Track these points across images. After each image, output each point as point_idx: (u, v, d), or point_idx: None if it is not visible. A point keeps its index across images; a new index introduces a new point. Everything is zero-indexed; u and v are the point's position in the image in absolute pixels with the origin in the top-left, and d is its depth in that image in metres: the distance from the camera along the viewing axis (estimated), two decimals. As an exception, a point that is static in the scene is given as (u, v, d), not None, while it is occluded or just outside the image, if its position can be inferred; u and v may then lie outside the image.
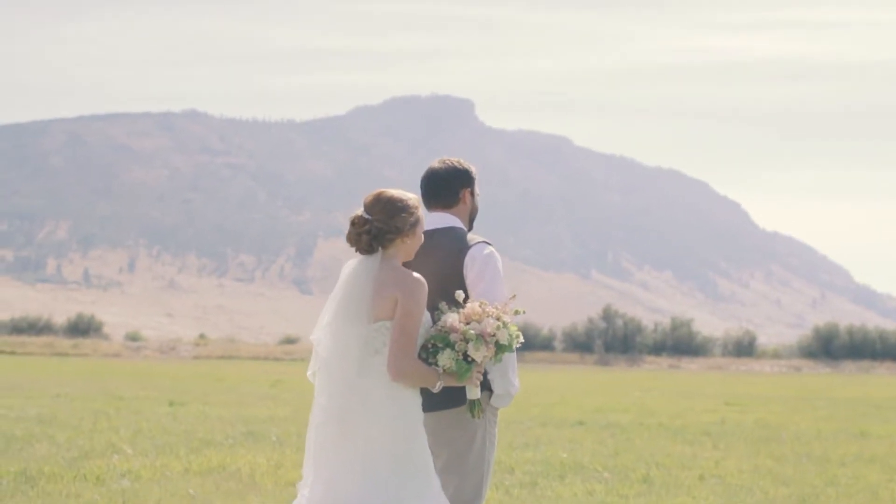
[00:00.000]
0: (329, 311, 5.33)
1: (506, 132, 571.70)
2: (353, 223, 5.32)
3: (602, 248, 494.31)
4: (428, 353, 5.40)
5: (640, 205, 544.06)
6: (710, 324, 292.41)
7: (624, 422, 22.57)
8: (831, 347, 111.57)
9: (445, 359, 5.35)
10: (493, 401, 5.84)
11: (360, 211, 5.34)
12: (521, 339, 5.53)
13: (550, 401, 30.59)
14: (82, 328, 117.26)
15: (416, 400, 5.34)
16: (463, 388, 5.61)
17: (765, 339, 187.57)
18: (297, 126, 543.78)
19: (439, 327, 5.44)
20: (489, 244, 6.06)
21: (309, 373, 5.35)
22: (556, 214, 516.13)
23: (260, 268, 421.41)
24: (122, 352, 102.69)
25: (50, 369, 50.63)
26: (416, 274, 5.30)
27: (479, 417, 5.70)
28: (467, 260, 5.92)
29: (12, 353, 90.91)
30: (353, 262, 5.38)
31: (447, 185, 6.13)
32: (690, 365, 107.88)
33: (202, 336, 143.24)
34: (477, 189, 6.26)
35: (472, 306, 5.46)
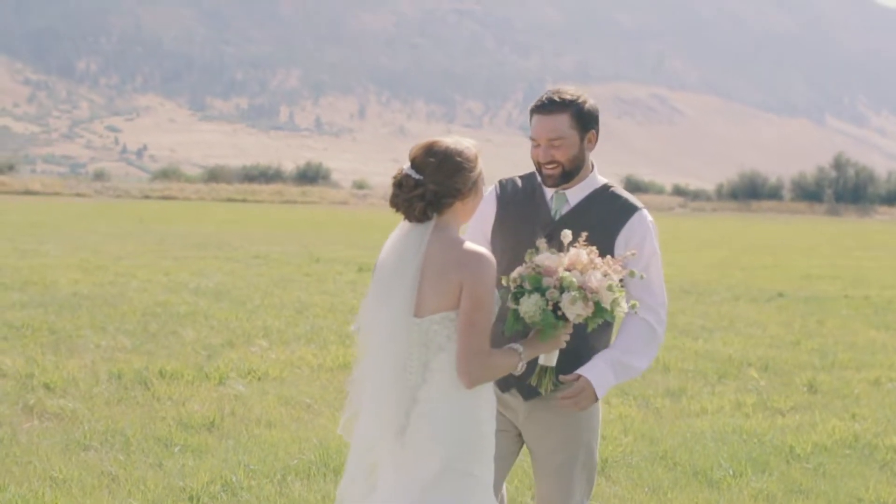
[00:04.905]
0: (374, 297, 4.10)
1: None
2: (399, 184, 4.05)
3: (838, 93, 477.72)
4: (510, 295, 4.24)
5: (879, 46, 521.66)
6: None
7: (828, 293, 21.35)
8: None
9: (531, 305, 4.14)
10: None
11: (404, 168, 4.07)
12: (626, 309, 4.27)
13: (761, 263, 29.47)
14: (310, 176, 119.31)
15: (491, 403, 4.16)
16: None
17: None
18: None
19: (532, 266, 4.24)
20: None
21: (349, 381, 4.21)
22: (790, 57, 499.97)
23: (488, 114, 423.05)
24: (349, 199, 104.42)
25: (271, 220, 51.59)
26: (482, 249, 4.04)
27: (547, 392, 4.44)
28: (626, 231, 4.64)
29: (244, 200, 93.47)
30: (397, 232, 4.13)
31: None
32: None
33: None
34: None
35: (577, 252, 4.24)
